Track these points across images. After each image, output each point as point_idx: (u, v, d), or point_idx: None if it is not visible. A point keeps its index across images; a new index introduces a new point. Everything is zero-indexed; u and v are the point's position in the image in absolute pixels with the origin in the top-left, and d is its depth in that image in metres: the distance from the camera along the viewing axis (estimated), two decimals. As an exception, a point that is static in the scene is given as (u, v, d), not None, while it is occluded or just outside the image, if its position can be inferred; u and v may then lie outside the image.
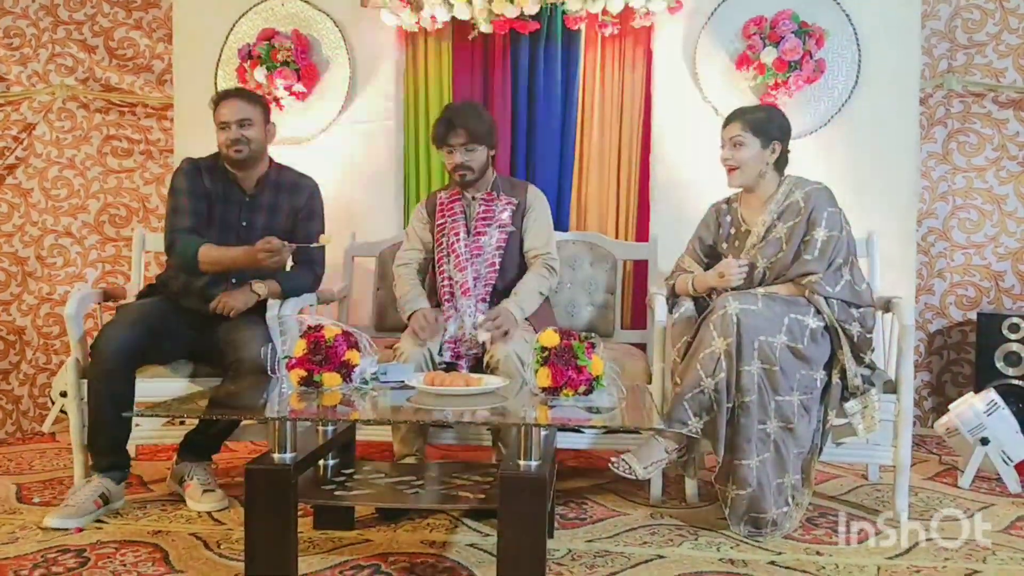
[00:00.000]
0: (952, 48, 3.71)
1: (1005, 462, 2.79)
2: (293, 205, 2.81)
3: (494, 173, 2.91)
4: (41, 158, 3.96)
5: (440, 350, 2.62)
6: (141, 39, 4.00)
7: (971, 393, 3.06)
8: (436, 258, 2.86)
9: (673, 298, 2.71)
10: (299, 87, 3.49)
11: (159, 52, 3.99)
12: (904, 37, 3.35)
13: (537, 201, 2.92)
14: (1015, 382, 3.26)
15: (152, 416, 2.42)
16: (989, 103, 3.70)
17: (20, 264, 3.97)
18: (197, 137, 3.61)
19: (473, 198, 2.85)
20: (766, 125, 2.56)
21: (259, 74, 3.46)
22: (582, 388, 2.00)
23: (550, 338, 2.04)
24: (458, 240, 2.79)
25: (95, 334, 2.59)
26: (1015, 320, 3.30)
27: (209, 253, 2.64)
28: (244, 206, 2.78)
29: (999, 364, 3.30)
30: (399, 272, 2.91)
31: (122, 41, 4.01)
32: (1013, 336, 3.29)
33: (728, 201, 2.73)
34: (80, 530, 2.27)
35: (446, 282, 2.79)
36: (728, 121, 2.61)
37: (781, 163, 2.61)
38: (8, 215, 3.97)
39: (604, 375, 2.05)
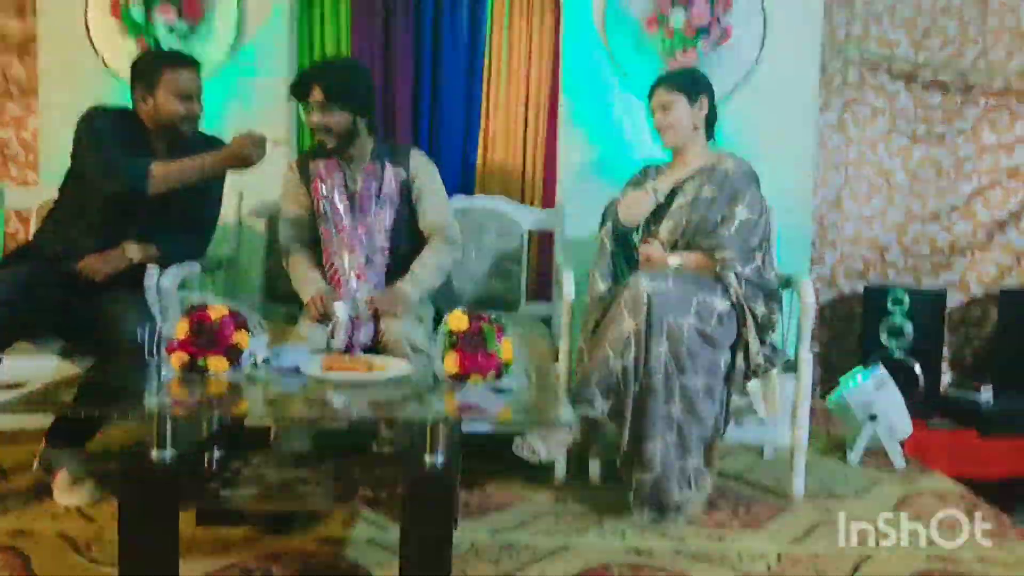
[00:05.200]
0: (850, 17, 3.69)
1: (891, 438, 2.88)
2: None
3: (372, 141, 2.61)
4: None
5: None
6: (-4, -42, 3.53)
7: (860, 367, 3.12)
8: (321, 236, 2.60)
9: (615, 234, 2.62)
10: (181, 24, 3.16)
11: (19, -24, 3.53)
12: (807, 3, 3.32)
13: (423, 169, 2.64)
14: (898, 355, 3.35)
15: (8, 413, 2.16)
16: (883, 75, 3.73)
17: None
18: (64, 75, 3.28)
19: (351, 168, 2.58)
20: (688, 81, 2.59)
21: (135, 12, 3.11)
22: (491, 375, 1.91)
23: (459, 321, 1.93)
24: (341, 220, 2.55)
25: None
26: (899, 294, 3.39)
27: (165, 167, 2.33)
28: None
29: (883, 337, 3.39)
30: (287, 251, 2.64)
31: (-29, -41, 3.52)
32: (897, 309, 3.38)
33: (645, 173, 2.66)
34: None
35: (333, 267, 2.56)
36: (652, 90, 2.61)
37: (711, 121, 2.61)
38: None
39: (514, 360, 1.96)
